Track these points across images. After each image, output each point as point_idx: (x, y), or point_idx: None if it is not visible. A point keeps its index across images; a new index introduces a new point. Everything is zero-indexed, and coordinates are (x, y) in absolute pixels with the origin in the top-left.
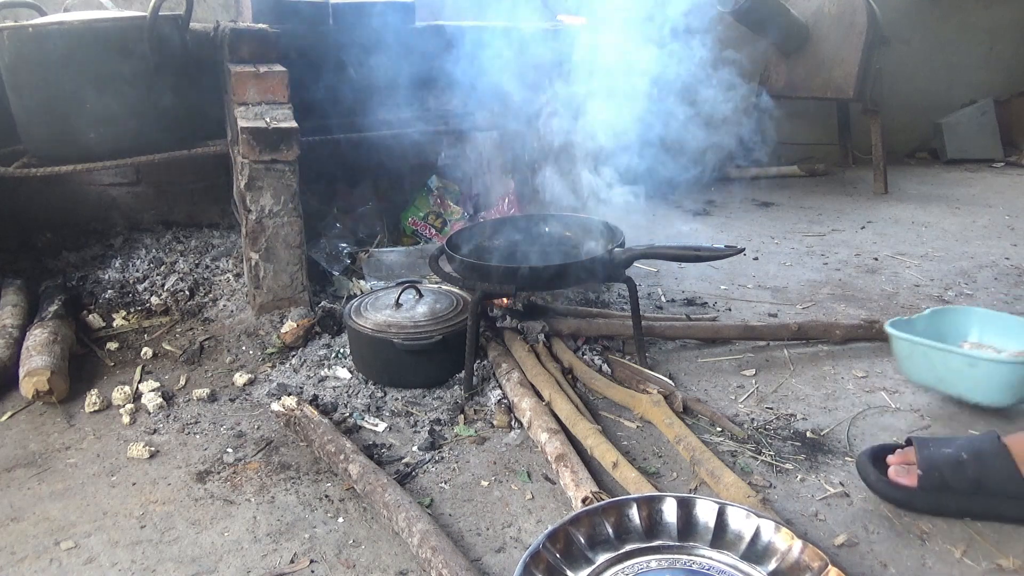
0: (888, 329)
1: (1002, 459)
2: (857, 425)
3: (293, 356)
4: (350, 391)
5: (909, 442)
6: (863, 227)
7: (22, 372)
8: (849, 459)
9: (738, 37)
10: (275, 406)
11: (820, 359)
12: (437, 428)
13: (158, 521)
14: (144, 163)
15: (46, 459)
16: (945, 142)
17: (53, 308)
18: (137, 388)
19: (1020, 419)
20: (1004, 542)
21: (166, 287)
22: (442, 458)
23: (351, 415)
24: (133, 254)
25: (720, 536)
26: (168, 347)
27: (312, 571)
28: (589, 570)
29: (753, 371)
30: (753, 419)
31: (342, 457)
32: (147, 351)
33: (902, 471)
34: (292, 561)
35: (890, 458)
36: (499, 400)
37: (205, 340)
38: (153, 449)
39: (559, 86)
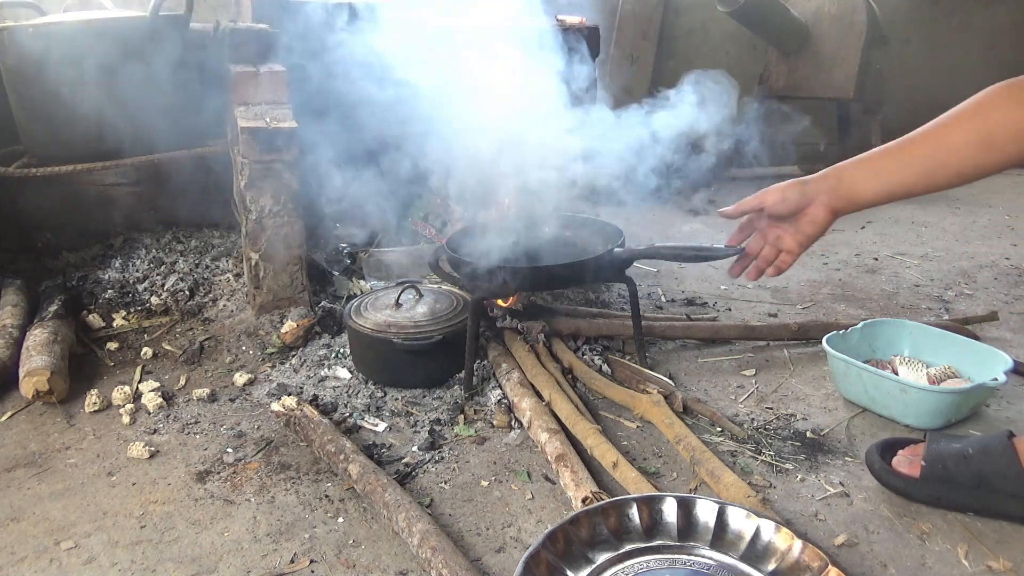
0: (824, 346)
1: (1007, 456)
2: (857, 425)
3: (293, 356)
4: (350, 391)
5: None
6: (863, 227)
7: (22, 372)
8: (849, 459)
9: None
10: (275, 406)
11: (820, 359)
12: (437, 428)
13: (158, 521)
14: (144, 163)
15: (46, 459)
16: None
17: (53, 308)
18: (137, 388)
19: None
20: (1005, 541)
21: (166, 287)
22: (442, 458)
23: (351, 415)
24: (133, 254)
25: (720, 536)
26: (168, 347)
27: (312, 571)
28: (589, 570)
29: (753, 371)
30: (753, 419)
31: (342, 457)
32: (147, 351)
33: (905, 461)
34: (292, 561)
35: (902, 451)
36: (499, 400)
37: (205, 340)
38: (153, 449)
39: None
